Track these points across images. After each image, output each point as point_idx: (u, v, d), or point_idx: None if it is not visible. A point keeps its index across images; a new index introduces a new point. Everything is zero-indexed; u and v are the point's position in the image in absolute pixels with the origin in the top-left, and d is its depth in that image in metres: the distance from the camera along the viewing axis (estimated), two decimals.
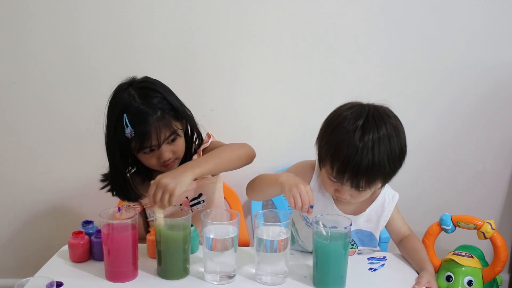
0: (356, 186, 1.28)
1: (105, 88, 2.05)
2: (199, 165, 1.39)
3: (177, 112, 1.51)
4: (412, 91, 2.09)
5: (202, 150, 1.62)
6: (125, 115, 1.43)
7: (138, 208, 1.63)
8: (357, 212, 1.44)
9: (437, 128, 2.14)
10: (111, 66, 2.03)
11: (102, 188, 1.59)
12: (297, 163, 1.54)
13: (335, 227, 1.26)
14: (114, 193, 1.58)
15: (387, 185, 1.47)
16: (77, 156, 2.13)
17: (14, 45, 2.01)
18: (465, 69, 2.07)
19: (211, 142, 1.63)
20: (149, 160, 1.52)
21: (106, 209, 1.29)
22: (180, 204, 1.60)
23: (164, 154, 1.49)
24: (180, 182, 1.30)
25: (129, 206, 1.64)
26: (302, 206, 1.25)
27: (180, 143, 1.54)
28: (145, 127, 1.43)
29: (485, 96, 2.11)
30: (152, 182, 1.32)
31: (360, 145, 1.24)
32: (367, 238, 1.46)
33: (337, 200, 1.42)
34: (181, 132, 1.54)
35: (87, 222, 1.44)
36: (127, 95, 1.47)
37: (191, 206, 1.62)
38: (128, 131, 1.43)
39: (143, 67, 2.03)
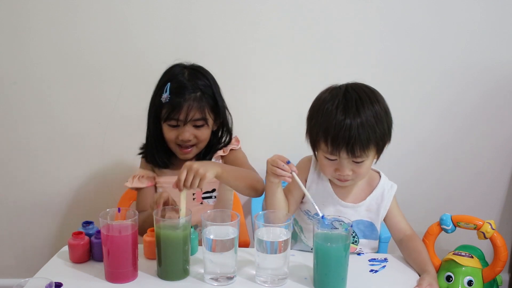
0: (352, 153, 1.31)
1: (105, 88, 2.07)
2: (223, 167, 1.44)
3: (216, 104, 1.58)
4: (411, 91, 2.09)
5: (230, 150, 1.66)
6: (169, 83, 1.53)
7: (149, 183, 1.65)
8: (357, 200, 1.47)
9: (436, 128, 2.14)
10: (111, 66, 2.03)
11: (139, 154, 1.69)
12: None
13: (337, 220, 1.27)
14: (148, 158, 1.65)
15: (385, 176, 1.50)
16: (77, 156, 2.13)
17: (14, 45, 2.01)
18: (465, 69, 2.08)
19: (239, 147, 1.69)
20: (170, 134, 1.57)
21: (106, 210, 1.29)
22: (193, 194, 1.63)
23: (185, 133, 1.54)
24: (209, 169, 1.35)
25: (142, 176, 1.65)
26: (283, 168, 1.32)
27: (205, 132, 1.58)
28: (180, 99, 1.51)
29: (484, 96, 2.11)
30: (183, 167, 1.34)
31: (347, 112, 1.30)
32: (368, 229, 1.48)
33: (337, 188, 1.45)
34: (210, 123, 1.59)
35: (87, 223, 1.44)
36: (179, 70, 1.58)
37: (203, 198, 1.65)
38: (165, 96, 1.53)
39: (144, 67, 2.04)
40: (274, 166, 1.34)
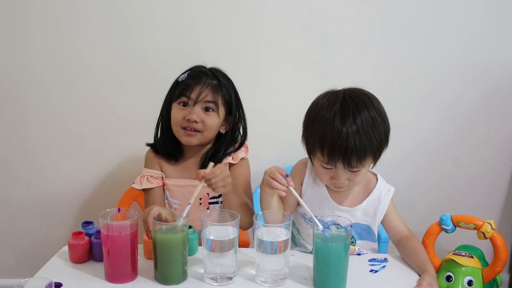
0: (349, 165, 1.30)
1: (105, 88, 2.06)
2: (236, 188, 1.51)
3: (231, 102, 1.59)
4: (411, 91, 2.09)
5: (240, 160, 1.65)
6: (189, 71, 1.61)
7: (158, 182, 1.64)
8: (353, 204, 1.46)
9: (437, 128, 2.14)
10: (111, 66, 2.03)
11: (149, 146, 1.69)
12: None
13: (334, 223, 1.27)
14: (159, 148, 1.65)
15: (382, 179, 1.49)
16: (77, 156, 2.13)
17: (14, 45, 2.01)
18: (465, 69, 2.07)
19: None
20: (177, 114, 1.57)
21: (106, 210, 1.29)
22: (200, 198, 1.63)
23: (192, 114, 1.54)
24: (231, 183, 1.44)
25: (151, 176, 1.64)
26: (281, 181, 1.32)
27: (213, 120, 1.57)
28: (195, 80, 1.56)
29: (484, 96, 2.11)
30: (220, 165, 1.42)
31: (344, 123, 1.28)
32: (364, 232, 1.48)
33: (333, 192, 1.45)
34: (221, 114, 1.58)
35: (87, 223, 1.44)
36: (201, 65, 1.64)
37: (210, 203, 1.65)
38: (182, 76, 1.59)
39: (144, 67, 2.04)
40: (271, 178, 1.33)
